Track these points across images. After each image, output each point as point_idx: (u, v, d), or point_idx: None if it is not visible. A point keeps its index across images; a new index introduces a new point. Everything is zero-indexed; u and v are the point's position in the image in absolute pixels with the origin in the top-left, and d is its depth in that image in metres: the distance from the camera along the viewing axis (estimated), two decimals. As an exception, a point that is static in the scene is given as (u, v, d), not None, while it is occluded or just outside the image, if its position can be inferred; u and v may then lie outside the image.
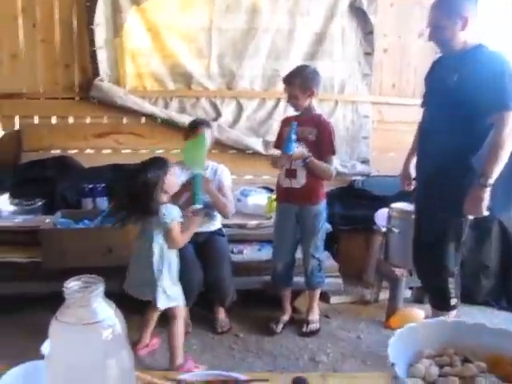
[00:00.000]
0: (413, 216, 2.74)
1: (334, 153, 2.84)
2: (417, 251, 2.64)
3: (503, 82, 2.19)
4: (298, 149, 2.73)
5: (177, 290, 2.44)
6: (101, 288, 0.70)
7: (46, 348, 0.85)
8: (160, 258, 2.35)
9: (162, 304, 2.37)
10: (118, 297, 0.77)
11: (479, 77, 2.21)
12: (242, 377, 0.98)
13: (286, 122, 2.93)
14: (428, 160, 2.51)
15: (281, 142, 2.88)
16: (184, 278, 2.70)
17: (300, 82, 2.74)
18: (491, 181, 2.23)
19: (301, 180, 2.82)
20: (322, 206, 2.90)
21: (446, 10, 2.31)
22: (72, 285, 0.70)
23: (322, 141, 2.80)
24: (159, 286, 2.34)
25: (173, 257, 2.42)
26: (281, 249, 2.97)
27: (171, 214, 2.31)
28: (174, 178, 2.43)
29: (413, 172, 2.77)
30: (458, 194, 2.34)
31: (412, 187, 2.81)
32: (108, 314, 0.71)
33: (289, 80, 2.79)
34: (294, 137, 2.67)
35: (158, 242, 2.34)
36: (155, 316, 2.63)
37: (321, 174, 2.84)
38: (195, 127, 2.94)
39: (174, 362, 2.44)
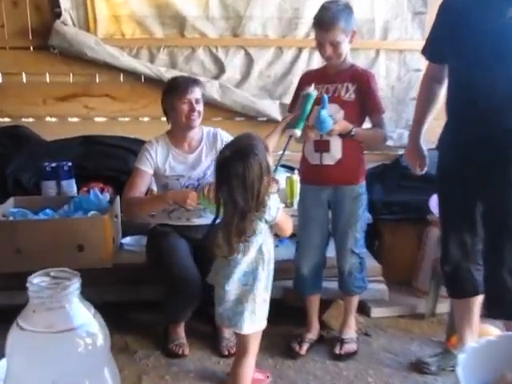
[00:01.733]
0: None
1: (383, 111, 2.84)
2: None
3: None
4: (338, 123, 2.69)
5: (265, 307, 2.39)
6: (76, 284, 0.69)
7: (1, 367, 0.83)
8: (255, 266, 2.32)
9: (248, 328, 2.31)
10: (96, 307, 0.75)
11: None
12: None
13: (307, 79, 2.88)
14: (481, 129, 2.42)
15: (297, 104, 2.85)
16: (177, 286, 2.71)
17: (344, 22, 2.67)
18: None
19: (336, 154, 2.79)
20: (362, 186, 2.90)
21: None
22: (38, 280, 0.68)
23: (365, 98, 2.78)
24: (250, 302, 2.30)
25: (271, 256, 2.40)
26: (307, 245, 2.96)
27: (274, 202, 2.26)
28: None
29: (424, 148, 2.78)
30: None
31: (425, 169, 2.81)
32: (86, 319, 0.69)
33: (331, 22, 2.67)
34: (325, 112, 2.63)
35: (258, 244, 2.32)
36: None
37: (372, 143, 2.85)
38: (186, 87, 2.90)
39: None
